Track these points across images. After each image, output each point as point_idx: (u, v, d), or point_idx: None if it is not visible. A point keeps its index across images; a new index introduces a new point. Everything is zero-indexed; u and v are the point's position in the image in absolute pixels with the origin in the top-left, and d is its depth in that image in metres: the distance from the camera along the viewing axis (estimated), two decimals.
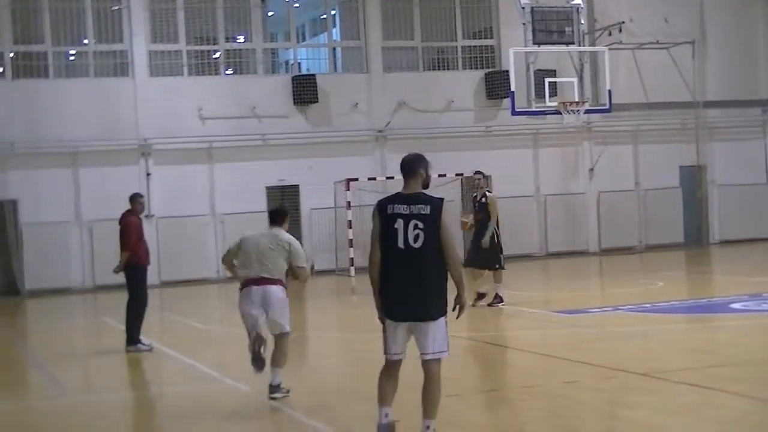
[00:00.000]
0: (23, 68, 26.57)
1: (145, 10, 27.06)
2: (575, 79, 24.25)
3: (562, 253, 29.27)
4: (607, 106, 24.79)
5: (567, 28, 23.96)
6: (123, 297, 14.59)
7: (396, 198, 7.70)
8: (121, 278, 14.50)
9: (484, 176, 17.85)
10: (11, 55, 26.47)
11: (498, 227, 17.06)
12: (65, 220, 26.00)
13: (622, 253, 29.32)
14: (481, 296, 16.85)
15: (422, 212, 7.54)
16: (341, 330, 17.15)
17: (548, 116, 25.82)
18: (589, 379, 10.55)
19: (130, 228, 14.23)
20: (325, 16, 31.04)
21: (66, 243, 25.91)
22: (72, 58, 27.64)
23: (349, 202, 26.04)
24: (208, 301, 23.48)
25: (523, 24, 23.83)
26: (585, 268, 26.32)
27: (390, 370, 7.75)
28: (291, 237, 10.24)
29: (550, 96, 23.91)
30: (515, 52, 23.72)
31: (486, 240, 16.78)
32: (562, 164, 30.02)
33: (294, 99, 27.64)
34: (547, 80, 23.89)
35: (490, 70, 29.35)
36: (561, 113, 24.06)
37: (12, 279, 25.85)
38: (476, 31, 29.86)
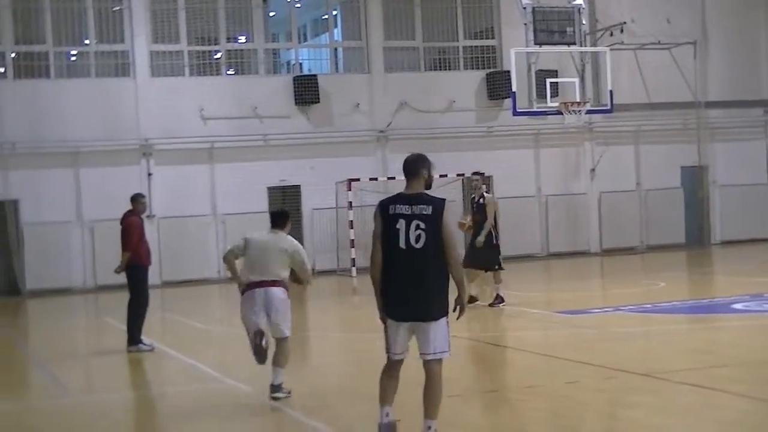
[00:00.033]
0: (24, 68, 26.58)
1: (146, 11, 27.07)
2: (577, 80, 24.27)
3: (563, 254, 29.27)
4: (609, 107, 24.80)
5: (568, 29, 23.97)
6: (124, 297, 14.60)
7: (398, 198, 7.71)
8: (122, 278, 14.50)
9: (482, 177, 17.87)
10: (13, 55, 26.48)
11: (496, 228, 17.07)
12: (66, 220, 26.00)
13: (623, 253, 29.32)
14: (472, 299, 16.72)
15: (424, 212, 7.54)
16: (342, 330, 17.15)
17: (549, 116, 25.84)
18: (590, 380, 10.55)
19: (131, 228, 14.23)
20: (326, 16, 31.04)
21: (67, 243, 25.92)
22: (73, 58, 27.65)
23: (350, 203, 26.04)
24: (209, 302, 23.49)
25: (525, 24, 23.85)
26: (586, 269, 26.31)
27: (391, 369, 7.76)
28: (295, 242, 10.26)
29: (551, 96, 23.91)
30: (517, 52, 23.72)
31: (480, 240, 16.77)
32: (563, 165, 30.02)
33: (295, 99, 27.64)
34: (548, 80, 23.90)
35: (492, 70, 29.35)
36: (562, 113, 24.07)
37: (13, 279, 25.86)
38: (477, 31, 29.86)
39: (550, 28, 23.83)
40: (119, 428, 9.90)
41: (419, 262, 7.52)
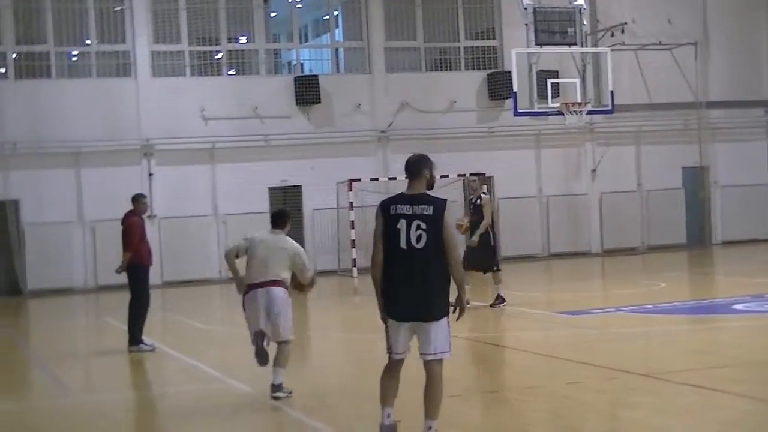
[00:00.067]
0: (26, 68, 26.59)
1: (147, 11, 27.08)
2: (578, 80, 24.25)
3: (564, 254, 29.26)
4: (610, 107, 24.77)
5: (569, 29, 23.94)
6: (125, 297, 14.60)
7: (399, 198, 7.72)
8: (123, 278, 14.51)
9: (480, 178, 17.89)
10: (14, 55, 26.48)
11: (493, 229, 17.10)
12: (68, 220, 26.01)
13: (624, 254, 29.31)
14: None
15: (425, 213, 7.54)
16: (343, 330, 17.15)
17: (551, 117, 25.81)
18: (591, 380, 10.55)
19: (132, 228, 14.24)
20: (327, 16, 31.05)
21: (68, 243, 25.93)
22: (75, 58, 27.66)
23: (351, 203, 26.04)
24: (210, 302, 23.50)
25: (526, 25, 23.81)
26: (587, 269, 26.31)
27: (392, 370, 7.76)
28: (296, 244, 10.27)
29: (552, 97, 23.88)
30: (518, 52, 23.70)
31: (474, 239, 16.79)
32: (564, 165, 30.02)
33: (296, 99, 27.65)
34: (549, 81, 23.86)
35: (493, 70, 29.36)
36: (563, 114, 24.05)
37: (14, 279, 25.86)
38: (479, 31, 29.86)
39: (551, 28, 23.82)
40: (120, 428, 9.90)
41: (420, 263, 7.52)
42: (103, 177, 25.90)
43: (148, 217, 20.82)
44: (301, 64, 29.86)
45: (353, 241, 25.69)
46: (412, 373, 7.85)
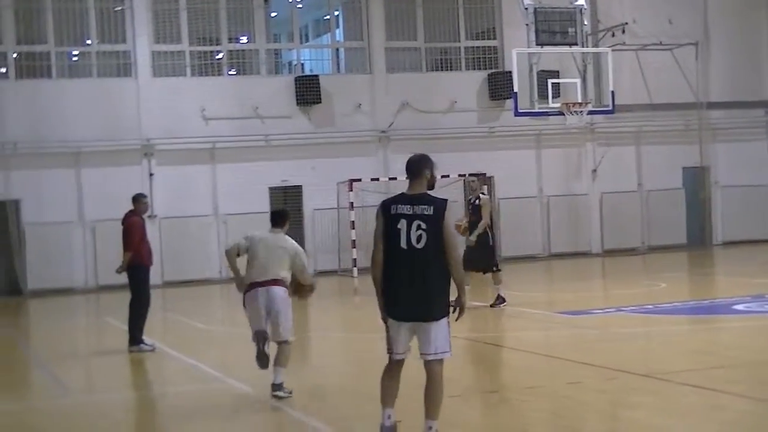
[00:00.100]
0: (26, 68, 26.59)
1: (148, 11, 27.08)
2: (578, 80, 24.26)
3: (564, 254, 29.25)
4: (610, 107, 24.79)
5: (570, 29, 23.95)
6: (125, 297, 14.60)
7: (400, 198, 7.72)
8: (123, 278, 14.51)
9: (479, 178, 17.89)
10: (14, 55, 26.49)
11: (491, 229, 17.10)
12: (68, 220, 26.01)
13: (624, 254, 29.31)
14: None
15: (425, 213, 7.54)
16: (344, 330, 17.15)
17: (551, 117, 25.81)
18: (592, 380, 10.55)
19: (133, 228, 14.24)
20: (328, 16, 31.07)
21: (69, 243, 25.93)
22: (75, 58, 27.67)
23: (351, 203, 26.03)
24: (210, 302, 23.50)
25: (526, 25, 23.82)
26: (588, 269, 26.31)
27: (392, 370, 7.76)
28: (296, 244, 10.29)
29: (553, 97, 23.90)
30: (518, 53, 23.71)
31: (472, 239, 16.78)
32: (565, 165, 30.02)
33: (297, 99, 27.65)
34: (550, 81, 23.87)
35: (493, 70, 29.36)
36: (564, 114, 24.06)
37: (15, 279, 25.87)
38: (479, 31, 29.86)
39: (552, 28, 23.82)
40: (120, 428, 9.90)
41: (420, 263, 7.52)
42: (104, 177, 25.90)
43: (149, 217, 20.83)
44: (302, 64, 29.86)
45: (354, 241, 25.69)
46: (413, 373, 7.85)
